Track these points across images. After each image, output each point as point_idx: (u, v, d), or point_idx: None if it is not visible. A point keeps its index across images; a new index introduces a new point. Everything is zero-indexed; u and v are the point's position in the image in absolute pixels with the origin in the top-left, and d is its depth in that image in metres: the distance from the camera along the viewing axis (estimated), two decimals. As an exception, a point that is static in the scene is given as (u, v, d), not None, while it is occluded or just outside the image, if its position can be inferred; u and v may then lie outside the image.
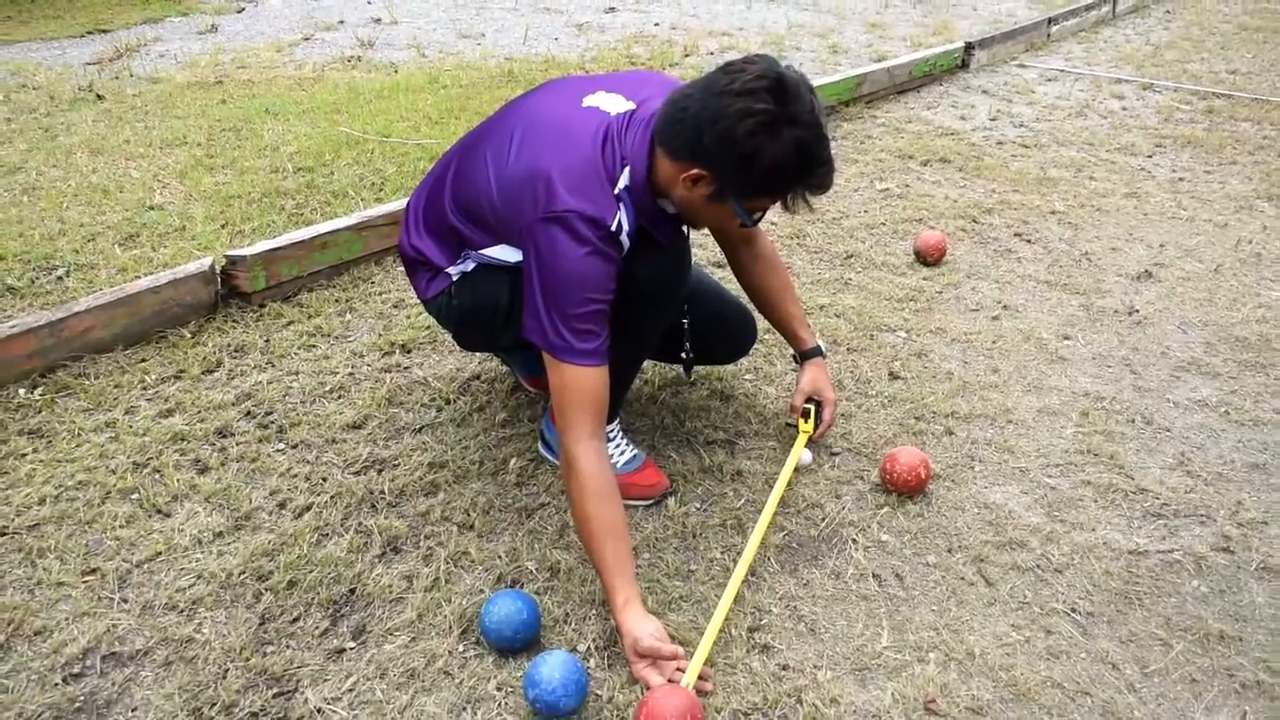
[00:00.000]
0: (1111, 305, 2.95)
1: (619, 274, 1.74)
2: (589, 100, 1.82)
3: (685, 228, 1.90)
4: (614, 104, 1.81)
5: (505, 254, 1.85)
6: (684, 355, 2.15)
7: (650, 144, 1.73)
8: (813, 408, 2.19)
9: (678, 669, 1.61)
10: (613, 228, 1.69)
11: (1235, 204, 3.76)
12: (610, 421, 2.06)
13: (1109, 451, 2.26)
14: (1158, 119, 4.87)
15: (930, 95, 5.23)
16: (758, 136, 1.60)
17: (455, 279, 1.95)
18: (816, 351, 2.24)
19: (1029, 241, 3.40)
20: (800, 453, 2.15)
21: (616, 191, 1.72)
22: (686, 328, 2.11)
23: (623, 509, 1.74)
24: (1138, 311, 2.91)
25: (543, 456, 2.18)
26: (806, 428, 2.18)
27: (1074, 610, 1.82)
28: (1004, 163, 4.19)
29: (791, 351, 2.29)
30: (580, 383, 1.72)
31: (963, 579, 1.89)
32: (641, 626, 1.63)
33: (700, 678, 1.61)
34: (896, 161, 4.16)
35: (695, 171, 1.67)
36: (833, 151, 1.70)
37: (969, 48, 5.69)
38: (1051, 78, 5.63)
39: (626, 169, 1.73)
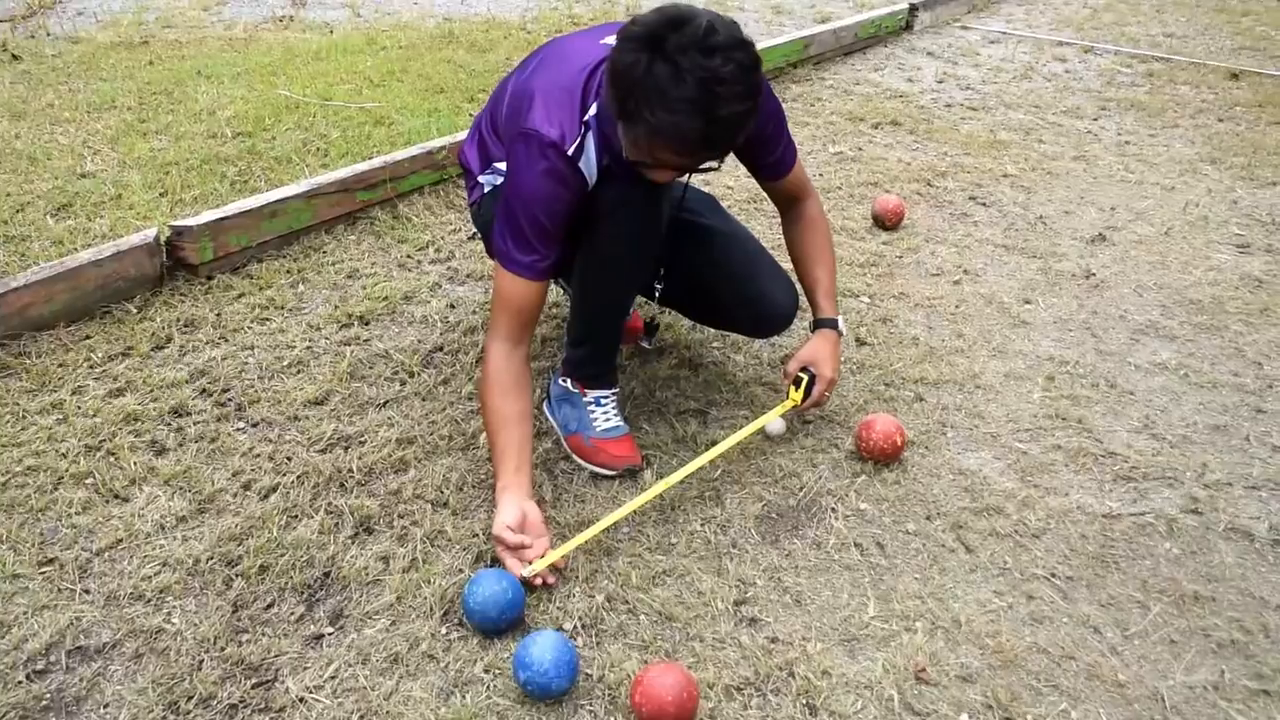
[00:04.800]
0: (1069, 269, 2.98)
1: (578, 204, 1.79)
2: (608, 39, 1.81)
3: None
4: None
5: None
6: (656, 292, 2.16)
7: None
8: (806, 377, 2.08)
9: (541, 554, 1.71)
10: (569, 152, 1.73)
11: (1180, 167, 3.81)
12: (606, 387, 2.09)
13: (1076, 415, 2.28)
14: (1100, 82, 4.91)
15: (876, 57, 5.22)
16: (626, 43, 1.57)
17: (486, 190, 2.02)
18: (830, 324, 2.12)
19: (984, 205, 3.42)
20: (773, 418, 2.12)
21: (586, 118, 1.75)
22: (662, 273, 2.12)
23: (526, 404, 1.84)
24: (1094, 275, 2.94)
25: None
26: (795, 396, 2.08)
27: (1053, 575, 1.84)
28: (954, 125, 4.20)
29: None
30: (509, 289, 1.81)
31: (943, 546, 1.89)
32: (503, 513, 1.72)
33: (554, 568, 1.73)
34: (848, 124, 4.15)
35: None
36: (721, 116, 1.54)
37: (913, 9, 5.69)
38: (994, 40, 5.66)
39: (599, 100, 1.76)
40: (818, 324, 2.14)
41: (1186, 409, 2.34)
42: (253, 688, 1.53)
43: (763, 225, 3.13)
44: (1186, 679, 1.64)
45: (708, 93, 1.51)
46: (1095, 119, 4.36)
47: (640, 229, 1.87)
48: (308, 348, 2.38)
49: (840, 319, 2.14)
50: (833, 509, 1.97)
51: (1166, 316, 2.73)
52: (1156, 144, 4.06)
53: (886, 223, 3.17)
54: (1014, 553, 1.88)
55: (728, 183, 3.43)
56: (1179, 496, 2.05)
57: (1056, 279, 2.92)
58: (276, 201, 2.76)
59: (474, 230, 2.70)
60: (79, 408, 2.12)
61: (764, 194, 2.17)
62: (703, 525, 1.91)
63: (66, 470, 1.94)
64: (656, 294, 2.15)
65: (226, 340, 2.38)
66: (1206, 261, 3.05)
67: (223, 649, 1.58)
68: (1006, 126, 4.21)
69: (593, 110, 1.76)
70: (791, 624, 1.71)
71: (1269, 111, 4.50)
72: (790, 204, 2.16)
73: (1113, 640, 1.71)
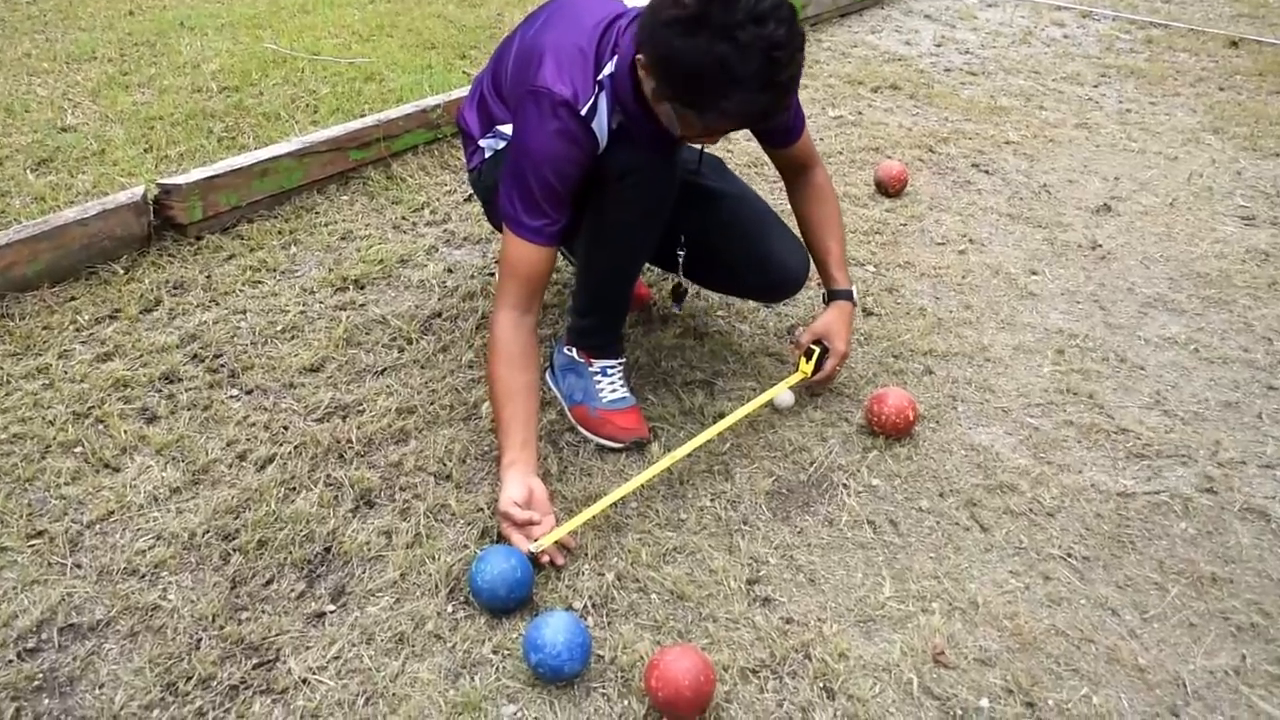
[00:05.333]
0: (1074, 239, 2.93)
1: (589, 166, 1.72)
2: None
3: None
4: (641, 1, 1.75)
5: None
6: (679, 261, 2.11)
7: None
8: (818, 350, 2.06)
9: (548, 529, 1.66)
10: (583, 112, 1.66)
11: (1183, 136, 3.76)
12: (613, 357, 2.03)
13: (1087, 390, 2.24)
14: (1099, 48, 4.85)
15: (873, 19, 5.13)
16: (672, 29, 1.51)
17: (487, 155, 1.95)
18: (844, 295, 2.08)
19: (987, 173, 3.36)
20: (782, 390, 2.07)
21: (600, 77, 1.68)
22: (683, 241, 2.07)
23: (532, 375, 1.77)
24: (1100, 246, 2.90)
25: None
26: (805, 369, 2.05)
27: (1070, 555, 1.80)
28: (954, 90, 4.13)
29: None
30: (518, 254, 1.74)
31: (957, 524, 1.86)
32: (509, 489, 1.66)
33: (563, 546, 1.69)
34: (847, 88, 4.08)
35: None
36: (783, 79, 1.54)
37: (910, -30, 5.59)
38: (992, 2, 5.57)
39: (615, 58, 1.69)
40: (832, 295, 2.10)
41: (1197, 385, 2.30)
42: (254, 668, 1.47)
43: (763, 190, 3.06)
44: (1207, 663, 1.61)
45: (769, 61, 1.48)
46: (1096, 86, 4.30)
47: (652, 194, 1.80)
48: (301, 312, 2.30)
49: (853, 289, 2.10)
50: (844, 485, 1.93)
51: (1174, 290, 2.69)
52: (1158, 112, 4.01)
53: (889, 189, 3.12)
54: (1029, 532, 1.85)
55: (727, 146, 3.35)
56: (1193, 475, 2.02)
57: (1063, 249, 2.87)
58: (267, 160, 2.67)
59: (470, 191, 2.63)
60: (65, 372, 2.04)
61: (763, 158, 2.12)
62: (712, 501, 1.87)
63: (54, 438, 1.87)
64: (680, 265, 2.10)
65: (217, 303, 2.31)
66: (1212, 234, 3.01)
67: (222, 627, 1.53)
68: (1007, 92, 4.15)
69: (608, 69, 1.68)
70: (806, 604, 1.67)
71: (1270, 81, 4.45)
72: (798, 173, 2.11)
73: (1131, 623, 1.68)
